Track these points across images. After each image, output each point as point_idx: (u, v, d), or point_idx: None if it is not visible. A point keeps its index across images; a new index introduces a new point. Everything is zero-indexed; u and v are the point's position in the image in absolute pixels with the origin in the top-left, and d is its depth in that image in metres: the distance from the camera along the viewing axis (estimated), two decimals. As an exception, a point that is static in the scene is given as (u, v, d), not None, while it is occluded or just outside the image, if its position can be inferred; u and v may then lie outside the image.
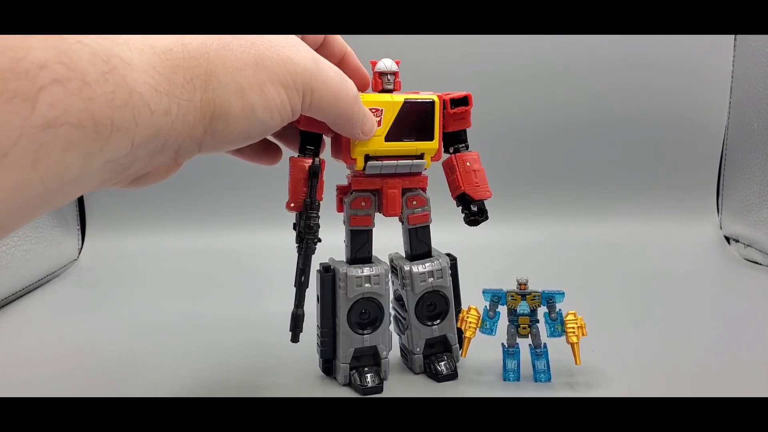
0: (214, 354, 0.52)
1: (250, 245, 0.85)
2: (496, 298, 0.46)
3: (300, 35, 0.37)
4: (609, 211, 0.93)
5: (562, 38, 0.89)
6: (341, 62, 0.43)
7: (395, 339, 0.49)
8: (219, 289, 0.73)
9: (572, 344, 0.45)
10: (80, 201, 0.88)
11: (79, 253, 0.85)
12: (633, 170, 0.93)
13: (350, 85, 0.37)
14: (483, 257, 0.83)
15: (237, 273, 0.79)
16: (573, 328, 0.44)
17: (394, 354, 0.49)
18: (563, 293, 0.45)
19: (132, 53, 0.27)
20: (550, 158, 0.93)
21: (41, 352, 0.54)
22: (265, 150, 0.44)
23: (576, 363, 0.44)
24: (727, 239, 0.90)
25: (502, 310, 0.46)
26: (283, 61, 0.33)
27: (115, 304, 0.68)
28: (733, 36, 0.90)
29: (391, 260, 0.49)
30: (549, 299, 0.45)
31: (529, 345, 0.46)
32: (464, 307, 0.47)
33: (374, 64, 0.44)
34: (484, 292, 0.46)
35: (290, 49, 0.33)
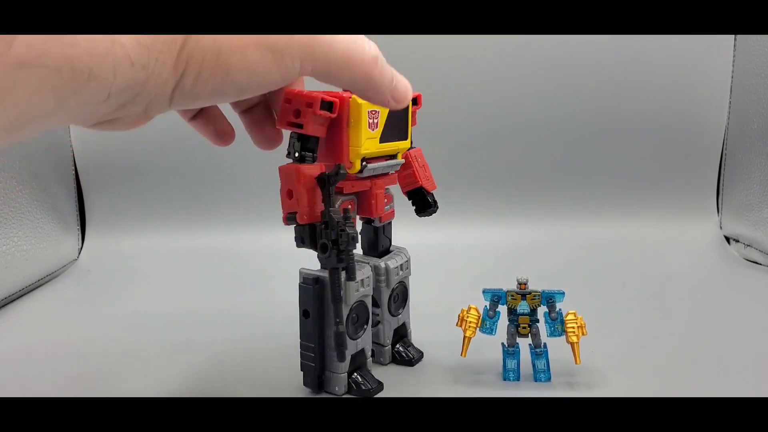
0: (215, 353, 0.52)
1: (250, 245, 0.85)
2: (496, 297, 0.46)
3: None
4: (609, 211, 0.93)
5: (561, 38, 0.89)
6: None
7: None
8: (219, 289, 0.73)
9: (572, 344, 0.45)
10: (80, 201, 0.88)
11: (79, 253, 0.85)
12: (633, 170, 0.93)
13: (367, 46, 0.34)
14: (483, 257, 0.83)
15: (237, 273, 0.79)
16: (573, 327, 0.45)
17: None
18: (563, 293, 0.45)
19: None
20: (550, 158, 0.93)
21: (41, 352, 0.54)
22: (218, 131, 0.42)
23: (576, 363, 0.44)
24: (727, 239, 0.90)
25: (502, 309, 0.46)
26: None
27: (114, 304, 0.68)
28: (733, 36, 0.90)
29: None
30: (549, 299, 0.45)
31: (529, 345, 0.46)
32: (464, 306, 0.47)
33: None
34: (484, 291, 0.46)
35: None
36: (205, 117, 0.41)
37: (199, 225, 0.89)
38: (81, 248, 0.86)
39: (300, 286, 0.43)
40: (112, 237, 0.87)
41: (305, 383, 0.45)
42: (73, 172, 0.86)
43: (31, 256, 0.72)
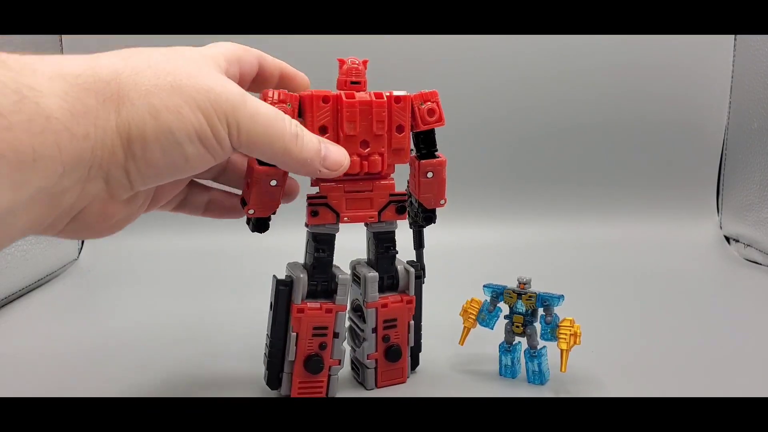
0: (214, 353, 0.53)
1: (250, 245, 0.85)
2: (495, 293, 0.46)
3: (237, 68, 0.37)
4: (609, 211, 0.93)
5: (563, 39, 0.89)
6: (281, 78, 0.42)
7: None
8: (218, 289, 0.73)
9: (561, 350, 0.44)
10: (80, 201, 0.88)
11: (79, 253, 0.85)
12: (633, 170, 0.93)
13: (288, 123, 0.35)
14: (486, 257, 0.83)
15: (237, 273, 0.79)
16: (565, 335, 0.44)
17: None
18: (561, 297, 0.44)
19: (41, 81, 0.27)
20: (550, 158, 0.93)
21: (41, 352, 0.54)
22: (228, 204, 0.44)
23: (561, 370, 0.43)
24: (727, 239, 0.90)
25: (505, 308, 0.46)
26: (203, 89, 0.32)
27: (114, 304, 0.68)
28: (733, 36, 0.90)
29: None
30: (544, 301, 0.45)
31: (527, 347, 0.46)
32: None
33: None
34: (484, 287, 0.47)
35: (212, 81, 0.32)
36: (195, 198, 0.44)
37: (200, 226, 0.88)
38: (81, 248, 0.86)
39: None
40: (112, 237, 0.86)
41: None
42: (73, 172, 0.86)
43: (31, 256, 0.72)
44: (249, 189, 0.41)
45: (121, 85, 0.30)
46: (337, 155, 0.38)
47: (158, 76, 0.31)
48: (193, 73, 0.32)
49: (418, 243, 0.48)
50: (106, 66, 0.30)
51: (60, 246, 0.80)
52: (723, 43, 0.90)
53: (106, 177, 0.30)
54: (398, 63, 0.85)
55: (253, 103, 0.34)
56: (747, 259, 0.85)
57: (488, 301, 0.47)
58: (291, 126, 0.36)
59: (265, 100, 0.39)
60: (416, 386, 0.46)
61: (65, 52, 0.84)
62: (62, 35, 0.84)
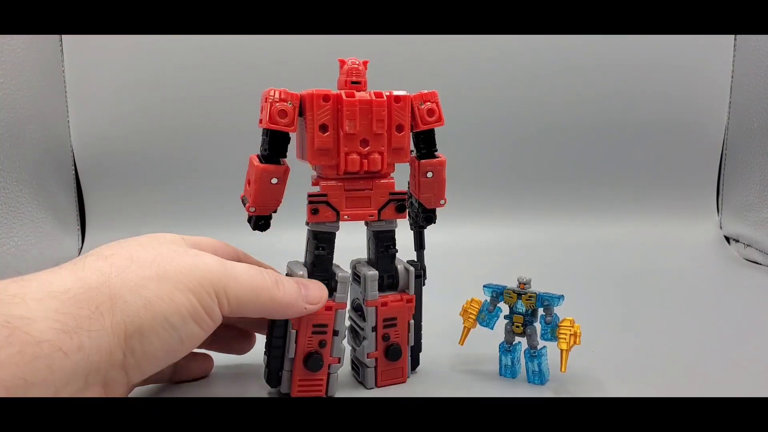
0: (213, 351, 0.52)
1: (251, 244, 0.85)
2: (495, 293, 0.46)
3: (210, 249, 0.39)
4: (609, 211, 0.93)
5: (563, 39, 0.89)
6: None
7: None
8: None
9: (561, 350, 0.44)
10: (80, 201, 0.88)
11: (79, 253, 0.85)
12: (633, 170, 0.94)
13: (266, 274, 0.38)
14: (486, 257, 0.83)
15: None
16: (565, 335, 0.43)
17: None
18: (561, 297, 0.44)
19: (30, 306, 0.28)
20: (550, 158, 0.93)
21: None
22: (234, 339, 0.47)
23: (561, 370, 0.43)
24: (727, 239, 0.90)
25: (505, 308, 0.46)
26: (187, 269, 0.34)
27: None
28: (733, 36, 0.90)
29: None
30: (544, 301, 0.45)
31: (527, 347, 0.46)
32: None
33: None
34: (484, 287, 0.47)
35: (193, 258, 0.35)
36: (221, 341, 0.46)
37: (200, 226, 0.89)
38: (81, 248, 0.86)
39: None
40: (112, 237, 0.86)
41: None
42: (73, 172, 0.87)
43: (31, 256, 0.72)
44: (250, 187, 0.41)
45: (111, 288, 0.31)
46: (315, 290, 0.40)
47: (143, 268, 0.33)
48: (173, 257, 0.34)
49: (419, 244, 0.48)
50: (92, 272, 0.32)
51: (60, 246, 0.80)
52: (723, 43, 0.91)
53: (104, 380, 0.31)
54: (398, 63, 0.85)
55: (231, 266, 0.36)
56: (747, 259, 0.85)
57: (488, 301, 0.47)
58: (270, 275, 0.38)
59: (266, 98, 0.39)
60: (416, 386, 0.46)
61: (65, 52, 0.84)
62: (62, 35, 0.84)
